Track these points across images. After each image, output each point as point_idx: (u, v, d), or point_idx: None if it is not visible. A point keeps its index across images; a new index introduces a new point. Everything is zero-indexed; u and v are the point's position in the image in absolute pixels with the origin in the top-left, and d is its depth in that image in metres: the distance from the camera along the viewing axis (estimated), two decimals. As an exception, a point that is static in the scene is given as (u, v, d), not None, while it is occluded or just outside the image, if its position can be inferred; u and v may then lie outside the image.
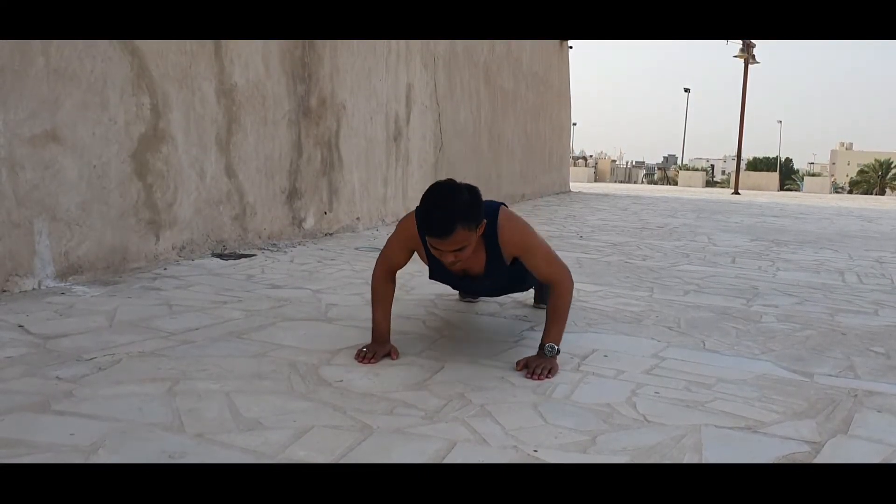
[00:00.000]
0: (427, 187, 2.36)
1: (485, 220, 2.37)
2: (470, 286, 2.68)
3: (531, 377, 2.36)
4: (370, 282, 2.67)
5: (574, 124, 24.65)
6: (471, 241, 2.30)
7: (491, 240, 2.48)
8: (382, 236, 6.15)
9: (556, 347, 2.45)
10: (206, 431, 1.85)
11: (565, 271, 2.59)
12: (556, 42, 14.53)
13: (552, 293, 2.56)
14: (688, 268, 5.03)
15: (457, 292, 3.62)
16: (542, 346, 2.47)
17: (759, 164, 62.99)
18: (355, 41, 6.24)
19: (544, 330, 2.51)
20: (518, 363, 2.47)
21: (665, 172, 73.09)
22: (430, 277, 2.72)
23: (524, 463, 1.74)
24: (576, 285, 4.01)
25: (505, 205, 2.62)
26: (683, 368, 2.56)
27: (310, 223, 5.77)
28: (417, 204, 2.41)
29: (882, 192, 51.58)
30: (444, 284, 3.01)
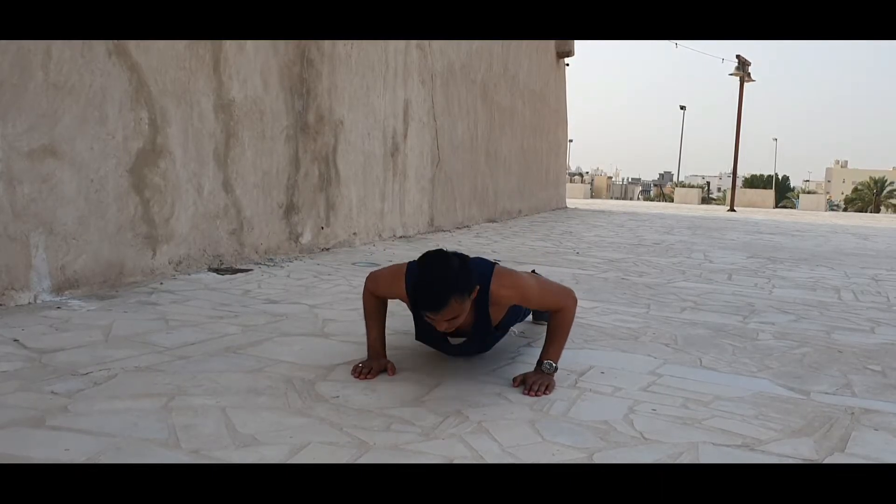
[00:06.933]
0: (418, 258, 2.33)
1: (478, 287, 2.34)
2: (454, 350, 2.68)
3: (528, 393, 2.36)
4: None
5: (570, 141, 24.75)
6: (464, 310, 2.28)
7: (480, 303, 2.44)
8: (379, 251, 6.15)
9: (554, 365, 2.45)
10: (201, 447, 1.84)
11: (567, 295, 2.58)
12: (553, 59, 14.61)
13: (555, 314, 2.55)
14: (684, 285, 5.04)
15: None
16: (539, 363, 2.46)
17: (756, 182, 63.23)
18: (353, 58, 6.27)
19: (544, 346, 2.51)
20: (515, 379, 2.46)
21: (661, 189, 73.33)
22: (417, 339, 2.69)
23: (515, 463, 1.74)
24: (573, 302, 4.02)
25: (498, 262, 2.61)
26: (680, 386, 2.56)
27: (307, 238, 5.77)
28: (414, 260, 2.38)
29: (877, 210, 51.75)
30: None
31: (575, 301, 2.59)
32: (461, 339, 2.58)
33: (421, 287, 2.24)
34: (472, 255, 2.46)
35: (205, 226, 4.59)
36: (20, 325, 2.97)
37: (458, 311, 2.25)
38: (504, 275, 2.50)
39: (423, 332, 2.58)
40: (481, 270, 2.42)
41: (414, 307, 2.47)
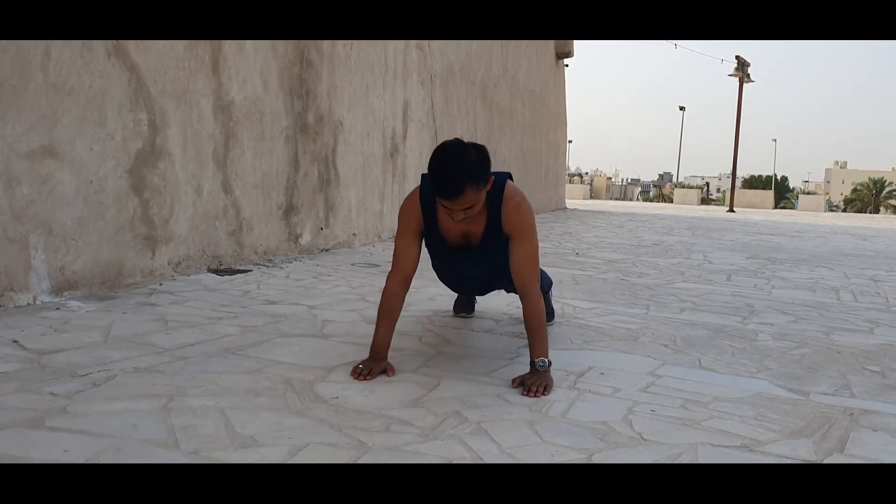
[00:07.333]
0: (435, 148, 2.39)
1: (493, 177, 2.43)
2: (463, 264, 2.70)
3: (527, 394, 2.36)
4: (378, 298, 2.68)
5: (570, 141, 24.77)
6: (480, 199, 2.38)
7: (493, 205, 2.53)
8: (378, 252, 6.15)
9: (546, 361, 2.45)
10: (200, 448, 1.84)
11: (538, 281, 2.62)
12: (553, 59, 14.62)
13: (526, 306, 2.57)
14: (683, 285, 5.04)
15: (451, 310, 3.62)
16: (532, 363, 2.46)
17: (755, 183, 63.27)
18: (353, 59, 6.28)
19: (530, 347, 2.51)
20: (514, 381, 2.46)
21: (660, 190, 73.42)
22: (426, 245, 2.75)
23: (512, 463, 1.74)
24: (572, 302, 4.03)
25: (511, 177, 2.67)
26: (679, 386, 2.56)
27: (306, 239, 5.77)
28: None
29: (876, 211, 51.80)
30: (442, 284, 3.05)
31: (540, 295, 2.61)
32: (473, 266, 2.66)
33: (437, 173, 2.30)
34: None
35: (204, 227, 4.59)
36: (19, 327, 2.96)
37: (474, 199, 2.33)
38: (519, 192, 2.60)
39: (435, 243, 2.62)
40: (498, 175, 2.51)
41: (426, 202, 2.54)
